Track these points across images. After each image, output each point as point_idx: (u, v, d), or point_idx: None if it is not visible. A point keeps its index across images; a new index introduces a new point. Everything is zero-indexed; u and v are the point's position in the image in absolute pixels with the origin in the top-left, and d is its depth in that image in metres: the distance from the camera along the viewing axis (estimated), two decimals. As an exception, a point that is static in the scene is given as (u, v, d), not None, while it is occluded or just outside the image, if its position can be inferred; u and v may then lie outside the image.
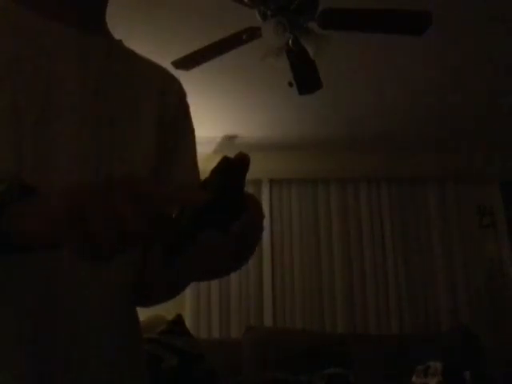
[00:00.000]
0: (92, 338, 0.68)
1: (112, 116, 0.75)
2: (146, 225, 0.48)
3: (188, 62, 2.60)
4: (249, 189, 4.33)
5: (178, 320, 3.34)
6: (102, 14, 0.84)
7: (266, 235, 4.26)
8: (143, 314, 3.85)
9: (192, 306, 4.13)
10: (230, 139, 4.22)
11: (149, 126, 0.80)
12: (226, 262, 0.69)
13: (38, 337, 0.64)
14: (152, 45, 2.88)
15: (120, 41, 0.85)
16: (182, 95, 0.90)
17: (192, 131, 0.90)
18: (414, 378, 3.30)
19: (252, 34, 2.40)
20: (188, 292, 4.15)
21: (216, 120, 3.94)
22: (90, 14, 0.80)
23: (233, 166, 0.56)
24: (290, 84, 2.76)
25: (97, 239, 0.47)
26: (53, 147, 0.68)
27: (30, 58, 0.70)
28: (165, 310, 3.42)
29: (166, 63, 2.60)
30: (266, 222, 4.30)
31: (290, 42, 2.46)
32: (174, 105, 0.87)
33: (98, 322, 0.69)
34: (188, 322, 3.76)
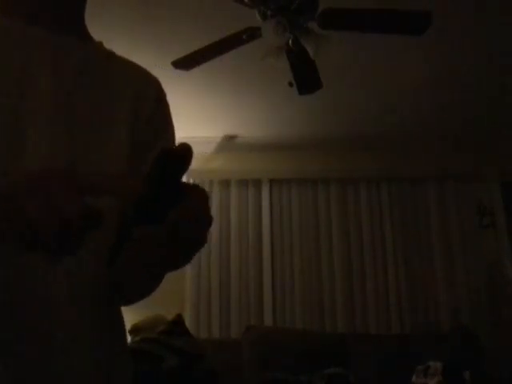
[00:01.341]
0: (59, 337, 0.67)
1: (85, 116, 0.76)
2: (80, 214, 0.49)
3: (188, 62, 2.60)
4: (249, 189, 4.34)
5: (178, 320, 3.35)
6: (80, 16, 0.84)
7: (266, 235, 4.27)
8: (143, 313, 3.83)
9: (192, 306, 4.13)
10: (229, 139, 4.22)
11: (123, 126, 0.80)
12: (164, 256, 0.67)
13: (3, 337, 0.63)
14: (152, 45, 2.88)
15: (100, 42, 0.86)
16: (160, 95, 0.89)
17: (172, 131, 0.90)
18: (413, 378, 3.30)
19: (252, 34, 2.40)
20: (188, 292, 4.15)
21: (216, 120, 3.94)
22: (66, 16, 0.81)
23: (172, 157, 0.53)
24: (290, 84, 2.76)
25: (34, 227, 0.48)
26: (25, 147, 0.68)
27: (3, 58, 0.71)
28: (165, 310, 3.42)
29: (166, 63, 2.60)
30: (266, 222, 4.31)
31: (290, 41, 2.46)
32: (152, 104, 0.86)
33: (64, 321, 0.68)
34: (188, 322, 3.76)
